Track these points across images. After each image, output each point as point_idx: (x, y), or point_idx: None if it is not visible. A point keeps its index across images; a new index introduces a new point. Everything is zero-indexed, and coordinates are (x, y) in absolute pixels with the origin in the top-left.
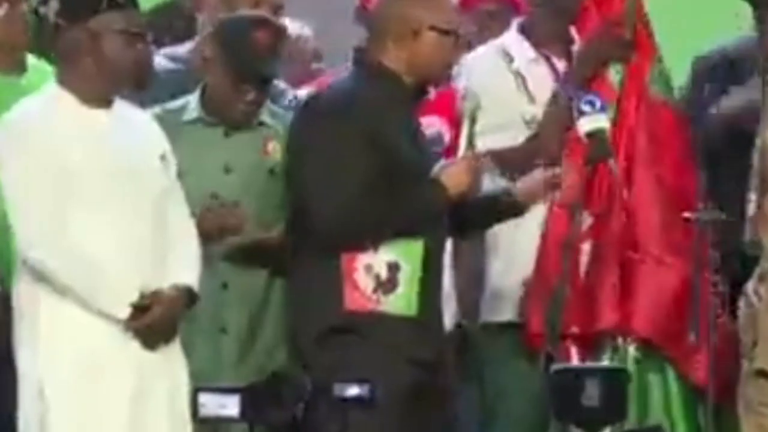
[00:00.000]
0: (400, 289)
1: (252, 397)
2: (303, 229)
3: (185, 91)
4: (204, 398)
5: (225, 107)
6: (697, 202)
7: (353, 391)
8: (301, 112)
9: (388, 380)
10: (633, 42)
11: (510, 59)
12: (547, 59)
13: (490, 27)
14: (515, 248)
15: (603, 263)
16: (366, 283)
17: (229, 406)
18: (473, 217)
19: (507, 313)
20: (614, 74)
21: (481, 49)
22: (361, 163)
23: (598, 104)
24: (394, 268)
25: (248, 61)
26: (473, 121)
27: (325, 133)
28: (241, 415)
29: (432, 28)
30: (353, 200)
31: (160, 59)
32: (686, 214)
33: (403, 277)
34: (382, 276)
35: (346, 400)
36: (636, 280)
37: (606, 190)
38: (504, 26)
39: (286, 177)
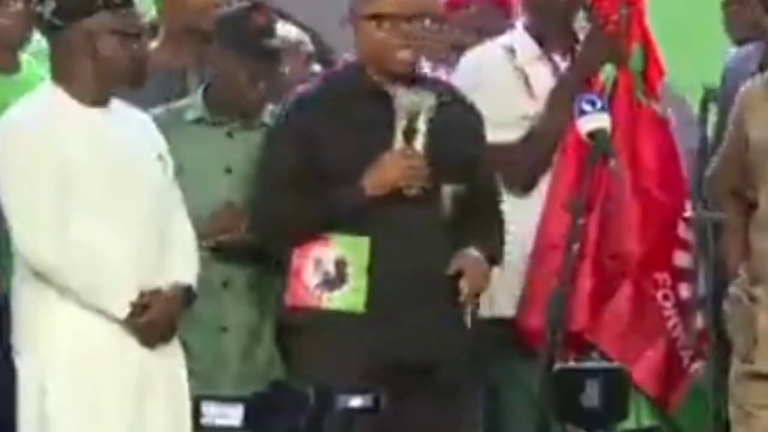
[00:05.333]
0: (349, 286)
1: (255, 407)
2: None
3: None
4: (206, 407)
5: (234, 99)
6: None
7: (356, 402)
8: None
9: (339, 379)
10: (625, 42)
11: (513, 56)
12: (550, 57)
13: (479, 27)
14: (510, 244)
15: (583, 265)
16: (312, 278)
17: (232, 416)
18: None
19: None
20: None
21: (485, 46)
22: (287, 162)
23: (599, 104)
24: (341, 263)
25: (250, 36)
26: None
27: (266, 134)
28: (243, 425)
29: (367, 16)
30: (272, 197)
31: None
32: (687, 214)
33: (351, 273)
34: (331, 272)
35: (349, 410)
36: (608, 288)
37: (604, 191)
38: (493, 25)
39: None
